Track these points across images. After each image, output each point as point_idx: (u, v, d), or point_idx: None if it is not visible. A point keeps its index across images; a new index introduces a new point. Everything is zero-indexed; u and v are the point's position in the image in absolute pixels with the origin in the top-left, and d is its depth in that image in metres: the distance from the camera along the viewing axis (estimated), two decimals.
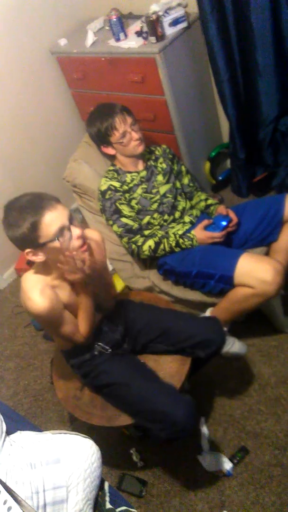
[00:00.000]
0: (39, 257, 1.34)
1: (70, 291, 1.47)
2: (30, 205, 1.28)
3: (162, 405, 1.44)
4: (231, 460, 1.74)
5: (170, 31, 2.20)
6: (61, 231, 1.29)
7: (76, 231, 1.32)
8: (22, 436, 1.26)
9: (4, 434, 1.21)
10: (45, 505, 1.10)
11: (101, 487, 1.30)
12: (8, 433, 1.25)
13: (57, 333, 1.50)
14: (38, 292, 1.35)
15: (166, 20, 2.16)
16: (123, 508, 1.32)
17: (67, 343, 1.58)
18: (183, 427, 1.43)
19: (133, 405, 1.53)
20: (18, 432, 1.28)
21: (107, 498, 1.30)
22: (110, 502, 1.29)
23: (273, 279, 1.66)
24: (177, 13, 2.18)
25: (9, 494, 0.74)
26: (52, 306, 1.37)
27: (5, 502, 0.72)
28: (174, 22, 2.19)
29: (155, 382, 1.54)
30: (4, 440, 1.19)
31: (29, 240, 1.29)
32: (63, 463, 1.16)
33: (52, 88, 2.78)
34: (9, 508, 0.71)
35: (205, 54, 2.30)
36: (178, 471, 1.79)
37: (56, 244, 1.29)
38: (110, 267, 2.44)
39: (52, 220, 1.27)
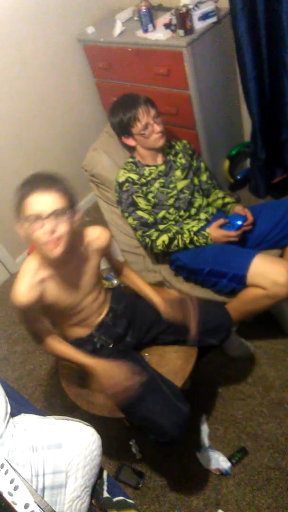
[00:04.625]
0: (22, 230, 1.34)
1: (62, 286, 1.46)
2: (33, 180, 1.31)
3: (152, 414, 1.44)
4: (229, 459, 1.74)
5: (199, 25, 2.17)
6: (35, 217, 1.28)
7: (47, 227, 1.28)
8: (26, 419, 1.27)
9: (8, 415, 1.22)
10: (43, 489, 1.11)
11: (99, 475, 1.31)
12: (12, 415, 1.26)
13: (22, 324, 1.52)
14: (27, 284, 1.37)
15: (196, 14, 2.14)
16: (120, 498, 1.33)
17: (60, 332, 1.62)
18: (170, 438, 1.44)
19: (124, 407, 1.54)
20: (22, 414, 1.30)
21: (105, 487, 1.31)
22: (108, 491, 1.30)
23: (287, 282, 1.65)
24: (208, 7, 2.16)
25: (16, 474, 0.75)
26: (31, 305, 1.38)
27: (12, 481, 0.73)
28: (204, 16, 2.17)
29: (150, 388, 1.51)
30: (8, 421, 1.20)
31: (16, 209, 1.32)
32: (64, 449, 1.18)
33: (77, 76, 2.77)
34: (16, 488, 0.72)
35: (232, 50, 2.27)
36: (176, 466, 1.80)
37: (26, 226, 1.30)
38: (121, 259, 2.44)
39: (32, 203, 1.27)
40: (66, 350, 1.53)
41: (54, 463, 1.14)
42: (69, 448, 1.18)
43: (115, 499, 1.31)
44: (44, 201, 1.27)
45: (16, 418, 1.26)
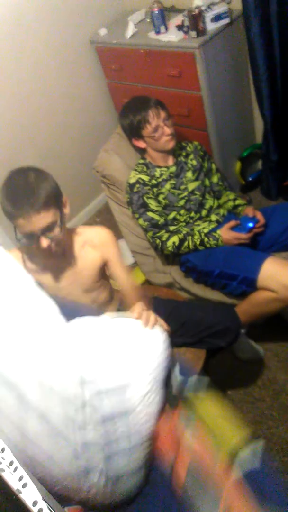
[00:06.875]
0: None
1: (46, 273, 1.48)
2: (15, 196, 1.26)
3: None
4: None
5: (211, 26, 2.17)
6: (28, 235, 1.30)
7: (43, 242, 1.30)
8: (82, 321, 1.21)
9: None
10: (104, 391, 1.07)
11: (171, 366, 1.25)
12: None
13: None
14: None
15: (209, 15, 2.14)
16: (195, 377, 1.28)
17: None
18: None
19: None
20: (76, 319, 1.22)
21: (177, 369, 1.26)
22: (181, 372, 1.26)
23: None
24: (220, 8, 2.16)
25: (25, 471, 0.76)
26: None
27: (20, 479, 0.74)
28: (216, 18, 2.17)
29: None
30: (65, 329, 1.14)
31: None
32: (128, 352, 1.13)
33: (89, 77, 2.79)
34: (24, 485, 0.72)
35: (245, 52, 2.27)
36: None
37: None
38: (131, 260, 2.45)
39: (22, 225, 1.28)
40: None
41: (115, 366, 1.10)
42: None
43: (189, 378, 1.27)
44: (29, 223, 1.26)
45: (72, 323, 1.20)
